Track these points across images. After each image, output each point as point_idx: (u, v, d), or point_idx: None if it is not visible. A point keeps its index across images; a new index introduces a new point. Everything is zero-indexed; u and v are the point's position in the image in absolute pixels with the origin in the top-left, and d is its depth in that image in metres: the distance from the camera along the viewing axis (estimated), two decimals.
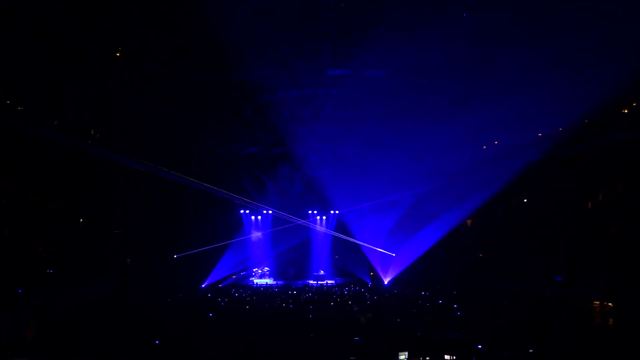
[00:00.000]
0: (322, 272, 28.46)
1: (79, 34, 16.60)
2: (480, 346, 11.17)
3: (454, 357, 10.45)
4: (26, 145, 18.81)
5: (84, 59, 18.17)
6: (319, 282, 27.39)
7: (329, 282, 27.69)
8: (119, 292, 20.71)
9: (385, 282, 26.35)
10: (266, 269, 28.58)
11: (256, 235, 29.17)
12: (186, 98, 20.02)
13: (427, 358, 10.29)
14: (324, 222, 29.67)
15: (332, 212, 29.33)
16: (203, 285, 25.33)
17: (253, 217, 29.39)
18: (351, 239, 28.43)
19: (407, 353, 10.25)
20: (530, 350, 10.61)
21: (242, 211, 28.94)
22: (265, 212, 29.17)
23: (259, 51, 18.84)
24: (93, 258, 22.21)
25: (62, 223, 21.66)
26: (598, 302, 16.85)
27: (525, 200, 24.63)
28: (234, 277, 27.94)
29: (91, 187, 22.22)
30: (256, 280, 27.84)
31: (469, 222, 27.55)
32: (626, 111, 19.77)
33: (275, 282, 27.71)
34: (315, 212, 29.35)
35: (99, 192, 22.54)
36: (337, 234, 29.40)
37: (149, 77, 18.38)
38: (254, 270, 28.38)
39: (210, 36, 17.68)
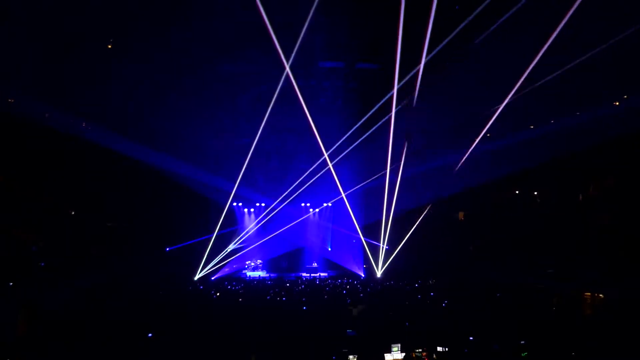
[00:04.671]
0: (315, 264, 28.49)
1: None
2: (471, 338, 11.24)
3: (446, 349, 10.49)
4: (15, 135, 18.58)
5: (76, 48, 17.89)
6: (311, 275, 27.42)
7: (322, 274, 27.73)
8: (111, 285, 20.58)
9: (378, 275, 26.43)
10: (259, 261, 28.57)
11: (249, 227, 29.15)
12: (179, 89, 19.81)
13: (420, 349, 10.30)
14: (316, 214, 29.68)
15: (324, 204, 29.33)
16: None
17: (246, 210, 29.36)
18: (344, 231, 28.47)
19: (399, 345, 10.26)
20: (522, 342, 10.68)
21: (235, 204, 28.89)
22: (257, 204, 29.15)
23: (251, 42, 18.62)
24: (85, 251, 22.06)
25: (53, 215, 21.49)
26: (589, 294, 17.01)
27: (517, 192, 24.72)
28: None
29: (83, 179, 22.03)
30: (249, 273, 27.82)
31: (461, 215, 27.67)
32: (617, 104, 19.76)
33: (268, 275, 27.71)
34: (308, 204, 29.33)
35: (91, 184, 22.36)
36: (329, 226, 29.44)
37: (140, 67, 18.15)
38: (247, 262, 28.37)
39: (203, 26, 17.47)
